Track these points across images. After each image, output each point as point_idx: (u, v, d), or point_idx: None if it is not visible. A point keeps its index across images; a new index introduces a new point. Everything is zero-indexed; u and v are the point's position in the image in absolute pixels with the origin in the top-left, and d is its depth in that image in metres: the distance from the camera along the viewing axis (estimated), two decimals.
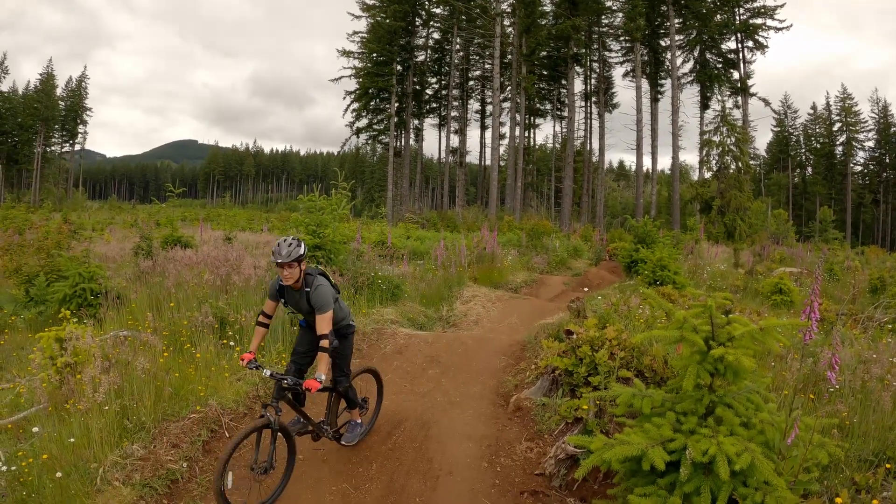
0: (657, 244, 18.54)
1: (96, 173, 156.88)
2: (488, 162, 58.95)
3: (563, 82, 57.86)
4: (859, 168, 77.49)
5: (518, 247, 24.84)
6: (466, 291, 14.06)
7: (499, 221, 38.00)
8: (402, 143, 59.26)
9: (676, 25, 53.58)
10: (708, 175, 25.43)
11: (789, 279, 14.78)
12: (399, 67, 56.74)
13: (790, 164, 78.62)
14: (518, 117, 55.80)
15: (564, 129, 58.79)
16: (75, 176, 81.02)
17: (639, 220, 22.63)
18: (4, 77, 69.00)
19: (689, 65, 55.54)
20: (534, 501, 5.27)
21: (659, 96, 55.76)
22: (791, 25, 51.64)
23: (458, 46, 60.21)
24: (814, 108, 78.71)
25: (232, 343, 7.73)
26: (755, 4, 52.11)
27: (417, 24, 58.65)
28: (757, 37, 52.34)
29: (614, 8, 55.60)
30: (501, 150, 55.91)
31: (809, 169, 78.86)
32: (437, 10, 59.05)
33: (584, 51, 56.70)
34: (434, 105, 63.85)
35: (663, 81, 55.81)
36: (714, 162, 24.03)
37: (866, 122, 75.11)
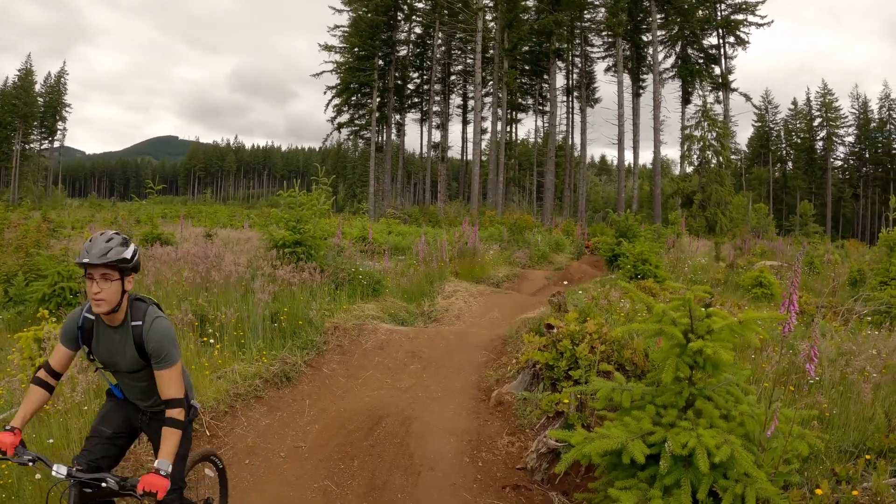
0: (638, 238, 18.60)
1: (76, 170, 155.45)
2: (470, 157, 58.97)
3: (545, 77, 58.04)
4: (839, 163, 78.49)
5: (500, 241, 24.86)
6: (448, 286, 14.05)
7: (481, 216, 38.00)
8: (384, 139, 59.16)
9: (658, 21, 53.80)
10: (689, 170, 25.68)
11: (770, 272, 14.87)
12: (381, 62, 56.58)
13: (771, 158, 79.37)
14: (500, 112, 55.89)
15: (546, 124, 59.07)
16: (55, 173, 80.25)
17: (620, 215, 22.70)
18: None
19: (671, 60, 55.92)
20: (515, 496, 5.26)
21: (641, 91, 56.01)
22: (772, 21, 52.11)
23: (440, 41, 60.15)
24: (794, 103, 79.54)
25: (212, 341, 7.65)
26: (736, 0, 52.45)
27: (399, 18, 58.46)
28: (738, 32, 52.75)
29: (597, 3, 55.75)
30: (483, 144, 56.01)
31: (790, 164, 79.74)
32: (419, 5, 59.02)
33: (566, 46, 56.83)
34: (416, 100, 63.77)
35: (645, 76, 56.08)
36: (695, 157, 24.32)
37: (846, 117, 76.07)
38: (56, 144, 78.59)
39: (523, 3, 54.92)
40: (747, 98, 54.02)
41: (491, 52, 55.66)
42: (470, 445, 6.05)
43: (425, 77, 62.27)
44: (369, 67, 54.62)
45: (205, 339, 7.71)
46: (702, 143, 24.87)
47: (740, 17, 52.29)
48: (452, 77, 63.85)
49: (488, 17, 55.52)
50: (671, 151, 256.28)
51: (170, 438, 3.13)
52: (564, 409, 5.93)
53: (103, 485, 3.00)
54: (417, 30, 60.85)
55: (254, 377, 7.11)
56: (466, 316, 12.30)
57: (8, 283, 10.74)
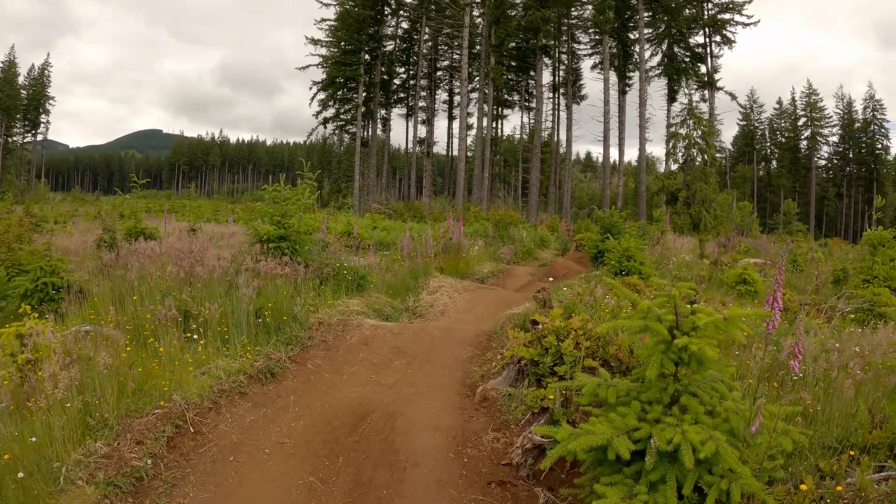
0: (623, 235, 18.65)
1: (59, 164, 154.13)
2: (456, 152, 58.90)
3: (532, 73, 57.99)
4: (823, 162, 79.48)
5: (485, 237, 24.85)
6: (433, 282, 14.03)
7: (466, 212, 37.96)
8: (370, 134, 58.93)
9: (646, 19, 53.94)
10: (674, 167, 25.72)
11: (753, 270, 14.97)
12: (367, 57, 56.28)
13: (755, 157, 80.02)
14: (486, 108, 55.82)
15: (532, 120, 58.95)
16: (38, 167, 79.51)
17: (605, 211, 22.77)
18: None
19: (658, 58, 56.08)
20: (501, 492, 5.26)
21: (627, 89, 56.13)
22: (759, 21, 52.34)
23: (426, 36, 60.02)
24: (779, 102, 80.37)
25: (196, 336, 7.60)
26: (723, 0, 52.69)
27: (387, 13, 58.20)
28: (725, 32, 52.99)
29: (584, 0, 55.82)
30: (469, 140, 55.86)
31: (774, 162, 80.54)
32: (407, 0, 58.70)
33: (553, 42, 56.83)
34: (402, 95, 63.58)
35: (631, 74, 56.20)
36: (680, 154, 24.32)
37: (831, 117, 76.95)
38: (39, 138, 77.92)
39: None
40: (733, 97, 54.34)
41: (478, 47, 55.54)
42: (455, 441, 6.04)
43: (412, 72, 62.11)
44: (356, 62, 54.33)
45: (189, 334, 7.65)
46: (687, 141, 24.95)
47: (727, 16, 52.56)
48: (439, 72, 63.77)
49: (475, 12, 55.38)
50: (656, 149, 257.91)
51: None
52: (549, 405, 5.93)
53: None
54: (405, 24, 60.69)
55: (238, 373, 7.07)
56: (451, 312, 12.28)
57: None
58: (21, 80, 74.39)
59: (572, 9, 56.14)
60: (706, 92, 53.04)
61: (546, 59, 57.71)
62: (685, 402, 3.91)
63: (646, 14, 53.81)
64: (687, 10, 52.81)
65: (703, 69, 54.17)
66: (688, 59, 54.73)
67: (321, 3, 54.98)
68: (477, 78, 56.14)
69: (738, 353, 6.64)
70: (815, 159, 76.88)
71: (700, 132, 23.89)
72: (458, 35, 54.96)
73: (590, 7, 55.30)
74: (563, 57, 59.34)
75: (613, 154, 56.52)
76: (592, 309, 8.58)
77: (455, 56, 61.26)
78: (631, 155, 77.23)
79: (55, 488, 4.74)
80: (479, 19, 55.39)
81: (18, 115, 73.42)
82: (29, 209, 25.16)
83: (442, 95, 65.25)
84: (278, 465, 5.63)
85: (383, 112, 61.37)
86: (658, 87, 55.38)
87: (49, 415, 5.25)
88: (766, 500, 3.57)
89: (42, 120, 75.80)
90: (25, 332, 6.21)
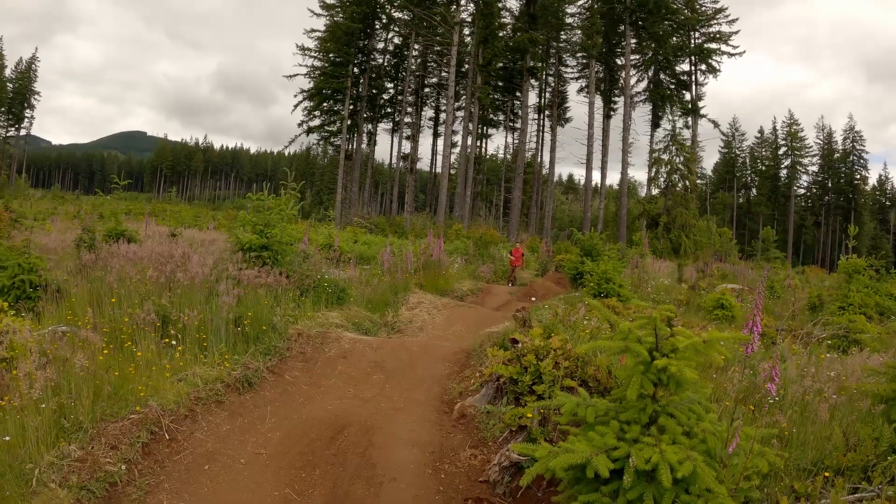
0: (603, 257, 18.78)
1: (41, 160, 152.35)
2: (439, 169, 58.94)
3: (518, 94, 58.47)
4: (802, 191, 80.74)
5: (465, 255, 24.92)
6: (412, 298, 14.05)
7: (447, 229, 38.03)
8: (354, 147, 58.94)
9: (633, 45, 54.72)
10: (656, 192, 26.02)
11: (731, 295, 15.13)
12: (356, 70, 56.39)
13: (736, 184, 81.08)
14: (471, 126, 56.07)
15: (516, 141, 59.42)
16: (19, 162, 78.43)
17: (585, 233, 22.95)
18: None
19: (643, 84, 56.92)
20: None
21: (612, 113, 56.81)
22: (744, 52, 53.36)
23: (416, 52, 60.26)
24: (761, 131, 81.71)
25: (174, 342, 7.54)
26: (710, 30, 53.61)
27: (377, 27, 58.38)
28: (710, 60, 53.85)
29: (574, 25, 56.44)
30: (453, 158, 56.19)
31: (754, 190, 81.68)
32: (398, 15, 58.81)
33: (540, 64, 57.42)
34: (388, 110, 63.65)
35: (616, 99, 56.91)
36: (662, 179, 24.68)
37: (811, 147, 78.27)
38: (23, 133, 77.07)
39: (500, 20, 55.38)
40: (715, 125, 55.15)
41: (466, 66, 55.90)
42: (433, 457, 6.03)
43: (399, 88, 62.26)
44: (344, 74, 54.34)
45: (167, 340, 7.59)
46: (669, 167, 25.27)
47: (713, 45, 53.48)
48: (426, 89, 63.93)
49: (465, 31, 55.84)
50: (639, 173, 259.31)
51: None
52: (527, 424, 5.95)
53: None
54: (395, 40, 60.86)
55: (215, 381, 7.01)
56: (430, 328, 12.30)
57: None
58: (8, 72, 73.66)
59: (561, 32, 56.79)
60: (689, 119, 53.73)
61: (533, 81, 58.24)
62: (663, 422, 3.95)
63: (633, 41, 54.59)
64: (674, 39, 53.63)
65: (688, 96, 54.99)
66: (673, 86, 55.50)
67: (312, 12, 55.15)
68: (463, 96, 56.42)
69: (715, 377, 6.70)
70: (795, 188, 78.10)
71: (682, 158, 24.28)
72: (447, 53, 55.28)
73: (578, 31, 55.97)
74: (550, 79, 59.97)
75: (596, 177, 57.07)
76: (572, 330, 8.62)
77: (443, 74, 61.48)
78: (613, 178, 78.16)
79: (27, 490, 4.67)
80: (468, 38, 55.78)
81: (2, 109, 72.65)
82: (8, 204, 24.86)
83: (428, 112, 65.51)
84: (254, 476, 5.59)
85: (369, 126, 61.35)
86: (642, 113, 56.51)
87: (23, 415, 5.17)
88: None
89: (27, 115, 75.11)
90: (2, 330, 6.13)
